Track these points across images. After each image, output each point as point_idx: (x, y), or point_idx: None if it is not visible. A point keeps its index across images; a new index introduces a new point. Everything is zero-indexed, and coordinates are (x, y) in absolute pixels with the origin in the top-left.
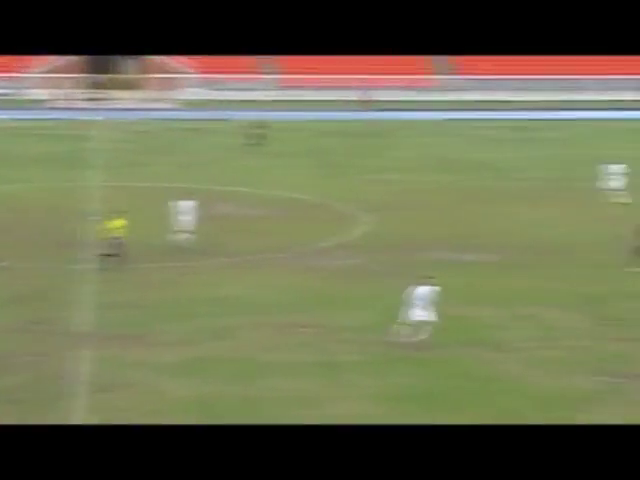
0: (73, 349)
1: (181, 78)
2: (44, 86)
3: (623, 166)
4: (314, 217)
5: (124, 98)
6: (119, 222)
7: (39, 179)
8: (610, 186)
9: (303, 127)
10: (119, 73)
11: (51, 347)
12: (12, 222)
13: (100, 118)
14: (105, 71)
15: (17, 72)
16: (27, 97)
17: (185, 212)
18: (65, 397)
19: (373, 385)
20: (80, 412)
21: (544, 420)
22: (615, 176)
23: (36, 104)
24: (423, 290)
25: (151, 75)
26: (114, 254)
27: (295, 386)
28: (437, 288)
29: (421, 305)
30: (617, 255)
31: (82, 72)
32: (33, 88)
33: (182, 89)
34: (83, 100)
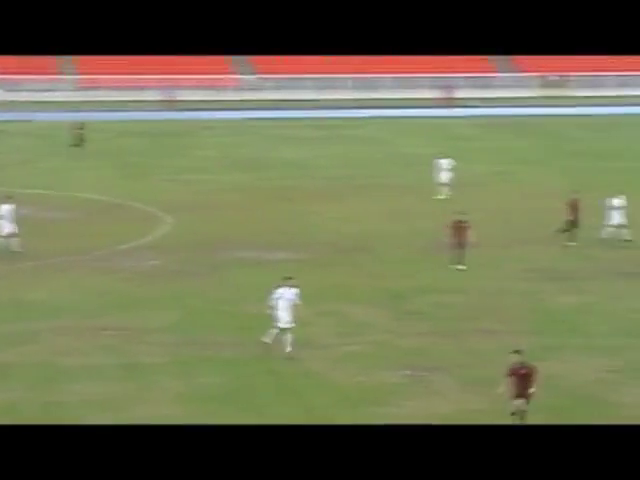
0: None
1: None
2: None
3: (449, 161)
4: (117, 218)
5: None
6: None
7: None
8: (438, 180)
9: (106, 128)
10: None
11: None
12: None
13: None
14: None
15: None
16: None
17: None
18: None
19: (178, 386)
20: None
21: (351, 415)
22: (442, 171)
23: None
24: (284, 292)
25: None
26: None
27: (99, 389)
28: (296, 290)
29: (282, 307)
30: (418, 250)
31: None
32: None
33: None
34: None
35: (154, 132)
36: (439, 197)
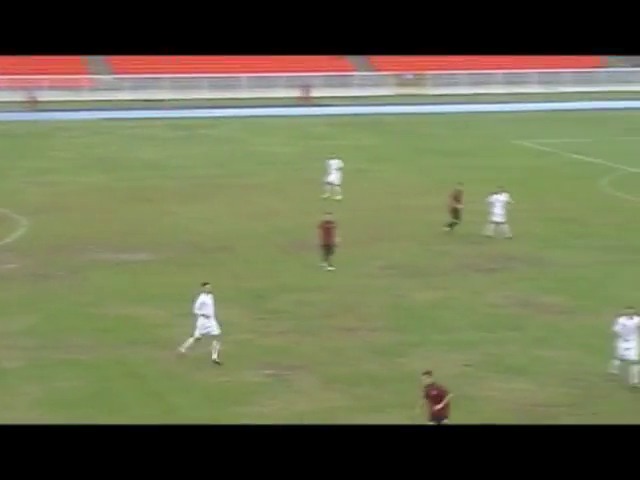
0: None
1: None
2: None
3: (338, 161)
4: None
5: None
6: None
7: None
8: (327, 180)
9: None
10: None
11: None
12: None
13: None
14: None
15: None
16: None
17: None
18: None
19: (37, 390)
20: None
21: (213, 416)
22: (332, 171)
23: None
24: (205, 298)
25: None
26: None
27: None
28: (210, 295)
29: (206, 314)
30: (279, 249)
31: None
32: None
33: None
34: None
35: (12, 133)
36: (329, 197)
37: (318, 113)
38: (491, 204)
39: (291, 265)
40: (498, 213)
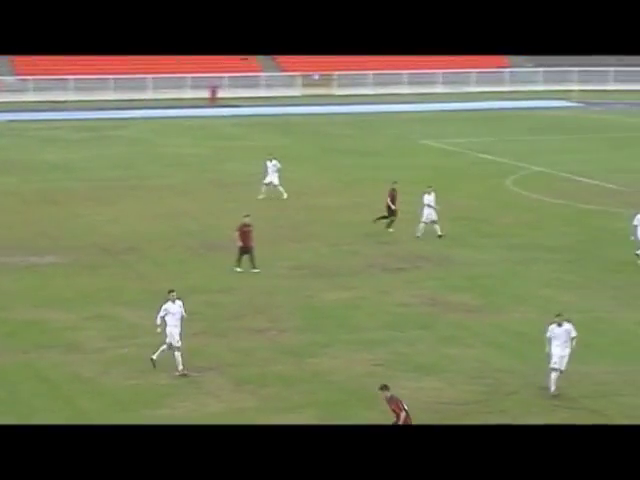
0: None
1: None
2: None
3: (275, 162)
4: None
5: None
6: None
7: None
8: (265, 181)
9: None
10: None
11: None
12: None
13: None
14: None
15: None
16: None
17: None
18: None
19: None
20: None
21: (123, 419)
22: (270, 172)
23: None
24: (169, 307)
25: None
26: None
27: None
28: (180, 302)
29: (171, 323)
30: (187, 251)
31: None
32: None
33: None
34: None
35: None
36: (264, 197)
37: (226, 114)
38: (423, 204)
39: (200, 266)
40: (428, 213)
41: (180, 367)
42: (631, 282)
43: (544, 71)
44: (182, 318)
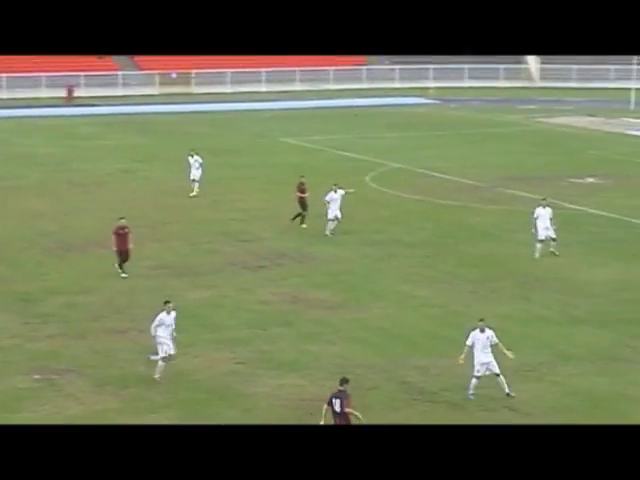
0: None
1: None
2: None
3: (197, 157)
4: None
5: None
6: None
7: None
8: (190, 178)
9: None
10: None
11: None
12: None
13: None
14: None
15: None
16: None
17: None
18: None
19: None
20: None
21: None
22: (193, 168)
23: None
24: (163, 317)
25: None
26: None
27: None
28: (174, 313)
29: (165, 334)
30: (45, 252)
31: None
32: None
33: None
34: None
35: None
36: (193, 194)
37: (82, 113)
38: (334, 201)
39: (58, 268)
40: (332, 210)
41: (157, 375)
42: (487, 276)
43: (400, 69)
44: (173, 330)
